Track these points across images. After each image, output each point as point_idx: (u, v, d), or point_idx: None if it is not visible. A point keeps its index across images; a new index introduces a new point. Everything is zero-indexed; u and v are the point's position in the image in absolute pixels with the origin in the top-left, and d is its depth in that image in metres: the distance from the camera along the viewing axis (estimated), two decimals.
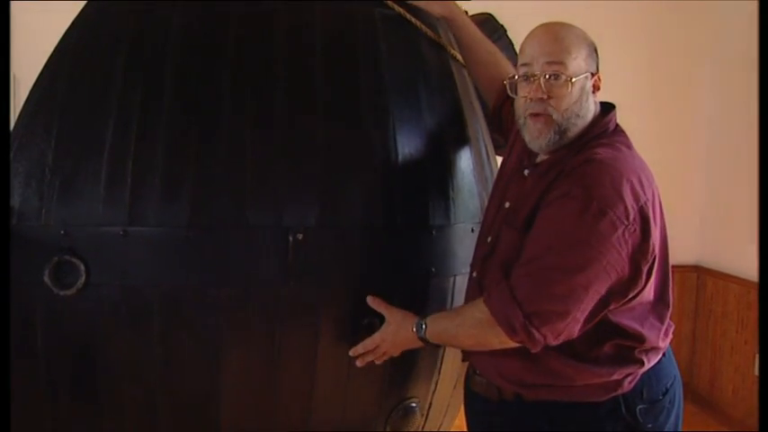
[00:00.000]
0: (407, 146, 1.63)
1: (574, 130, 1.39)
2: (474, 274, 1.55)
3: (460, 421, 2.28)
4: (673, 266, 1.49)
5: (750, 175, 3.61)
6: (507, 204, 1.48)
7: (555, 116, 1.36)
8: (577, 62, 1.36)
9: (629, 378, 1.42)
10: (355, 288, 1.56)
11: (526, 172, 1.47)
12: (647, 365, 1.43)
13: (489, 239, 1.50)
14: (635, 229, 1.31)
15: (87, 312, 1.50)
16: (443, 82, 1.77)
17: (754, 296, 3.51)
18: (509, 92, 1.47)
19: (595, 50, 1.42)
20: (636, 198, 1.31)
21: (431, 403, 1.79)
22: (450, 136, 1.74)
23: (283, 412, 1.57)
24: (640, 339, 1.41)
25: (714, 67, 3.92)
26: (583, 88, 1.38)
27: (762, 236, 1.12)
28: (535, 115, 1.38)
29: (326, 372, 1.57)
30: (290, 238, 1.49)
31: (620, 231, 1.29)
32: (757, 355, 3.49)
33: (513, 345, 1.36)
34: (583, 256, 1.29)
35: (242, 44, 1.57)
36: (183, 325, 1.51)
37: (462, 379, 1.91)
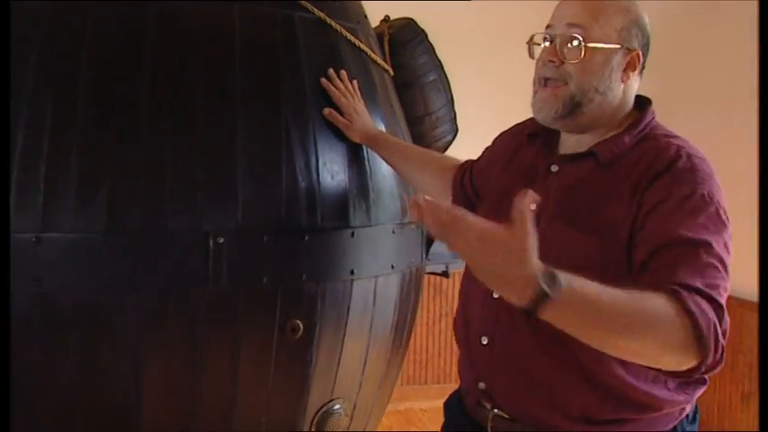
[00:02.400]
0: (328, 148, 1.64)
1: (591, 108, 1.21)
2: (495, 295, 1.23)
3: (388, 420, 2.31)
4: None
5: None
6: (534, 206, 1.19)
7: (570, 84, 1.20)
8: (605, 30, 1.19)
9: (691, 400, 1.26)
10: (277, 291, 1.56)
11: (554, 168, 1.28)
12: (707, 383, 1.24)
13: None
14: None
15: None
16: (363, 85, 1.79)
17: None
18: (528, 54, 1.29)
19: (641, 27, 1.24)
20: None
21: (355, 404, 1.80)
22: None
23: (205, 418, 1.55)
24: None
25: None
26: (608, 61, 1.20)
27: (762, 249, 1.13)
28: (545, 82, 1.23)
29: (249, 376, 1.56)
30: (211, 243, 1.48)
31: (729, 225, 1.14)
32: None
33: (684, 365, 1.02)
34: (724, 249, 1.10)
35: (159, 45, 1.54)
36: (101, 333, 1.48)
37: (388, 380, 1.94)
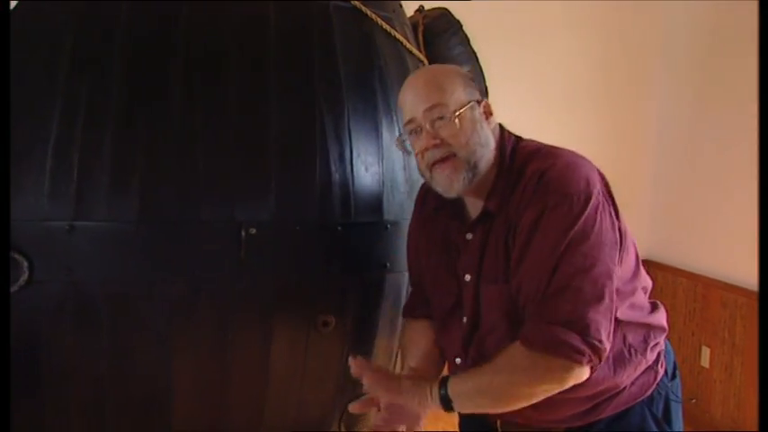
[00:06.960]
0: (362, 140, 1.61)
1: (483, 162, 1.33)
2: (458, 361, 1.41)
3: None
4: None
5: (698, 171, 3.70)
6: (468, 277, 1.36)
7: (460, 153, 1.31)
8: (456, 96, 1.32)
9: (660, 359, 1.43)
10: (310, 284, 1.55)
11: (469, 236, 1.38)
12: (663, 345, 1.45)
13: (465, 319, 1.38)
14: (605, 195, 1.30)
15: (31, 310, 1.45)
16: (398, 76, 1.76)
17: (700, 289, 3.62)
18: (402, 150, 1.42)
19: (472, 79, 1.39)
20: (593, 170, 1.31)
21: None
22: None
23: (236, 410, 1.55)
24: (657, 321, 1.42)
25: (664, 64, 4.00)
26: (473, 118, 1.33)
27: (761, 242, 1.14)
28: (441, 162, 1.32)
29: (280, 369, 1.55)
30: (243, 233, 1.46)
31: (601, 206, 1.26)
32: (703, 347, 3.59)
33: (578, 376, 1.23)
34: (591, 249, 1.23)
35: (193, 35, 1.53)
36: (132, 322, 1.47)
37: None
